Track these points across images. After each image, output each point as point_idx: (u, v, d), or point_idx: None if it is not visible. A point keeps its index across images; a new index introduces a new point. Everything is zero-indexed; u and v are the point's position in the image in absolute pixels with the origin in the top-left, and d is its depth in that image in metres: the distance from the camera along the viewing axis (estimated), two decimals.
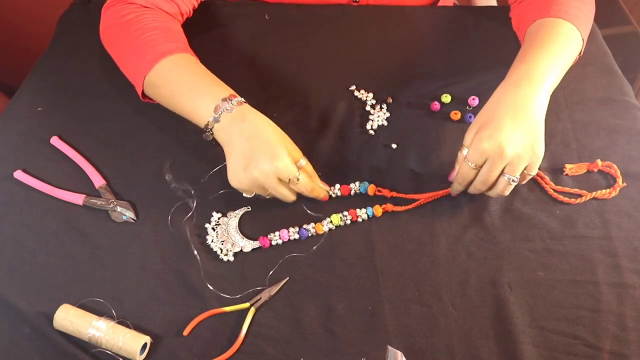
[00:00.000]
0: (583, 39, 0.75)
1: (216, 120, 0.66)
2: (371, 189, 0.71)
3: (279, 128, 0.67)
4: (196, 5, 0.84)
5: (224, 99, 0.67)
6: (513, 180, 0.64)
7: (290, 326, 0.62)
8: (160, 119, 0.79)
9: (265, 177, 0.64)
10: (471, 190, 0.68)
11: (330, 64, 0.86)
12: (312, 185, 0.68)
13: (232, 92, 0.69)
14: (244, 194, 0.70)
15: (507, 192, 0.66)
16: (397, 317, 0.62)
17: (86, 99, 0.81)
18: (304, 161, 0.67)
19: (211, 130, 0.67)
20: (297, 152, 0.67)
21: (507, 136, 0.62)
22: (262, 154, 0.64)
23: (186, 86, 0.70)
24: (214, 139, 0.68)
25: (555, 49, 0.70)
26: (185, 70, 0.71)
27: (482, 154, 0.63)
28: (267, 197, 0.69)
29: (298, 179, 0.65)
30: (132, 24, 0.74)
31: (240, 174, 0.65)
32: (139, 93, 0.75)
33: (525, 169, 0.64)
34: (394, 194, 0.71)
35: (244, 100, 0.68)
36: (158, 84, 0.72)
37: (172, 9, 0.79)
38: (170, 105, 0.73)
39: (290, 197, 0.68)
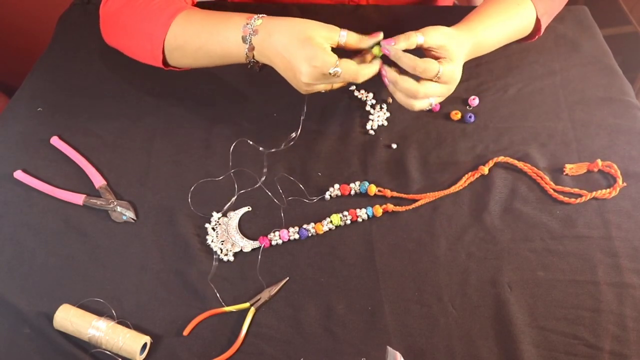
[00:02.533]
0: (539, 20, 0.78)
1: (250, 49, 0.67)
2: (371, 189, 0.71)
3: (304, 22, 0.66)
4: None
5: (244, 26, 0.67)
6: (431, 104, 0.69)
7: (290, 326, 0.62)
8: (161, 119, 0.79)
9: (314, 79, 0.64)
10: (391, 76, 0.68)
11: None
12: (356, 69, 0.65)
13: (247, 15, 0.69)
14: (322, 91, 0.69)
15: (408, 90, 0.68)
16: (397, 317, 0.62)
17: (86, 99, 0.81)
18: (343, 35, 0.66)
19: (253, 60, 0.68)
20: (331, 33, 0.65)
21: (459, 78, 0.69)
22: (298, 60, 0.64)
23: (208, 27, 0.70)
24: (259, 65, 0.70)
25: (504, 23, 0.76)
26: (198, 19, 0.71)
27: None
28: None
29: (339, 73, 0.64)
30: (135, 0, 0.74)
31: (296, 84, 0.67)
32: (160, 61, 0.74)
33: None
34: (394, 194, 0.71)
35: (261, 15, 0.68)
36: (181, 43, 0.71)
37: None
38: (201, 58, 0.72)
39: (353, 72, 0.65)
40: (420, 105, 0.68)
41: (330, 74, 0.64)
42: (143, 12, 0.73)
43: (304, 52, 0.63)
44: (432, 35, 0.67)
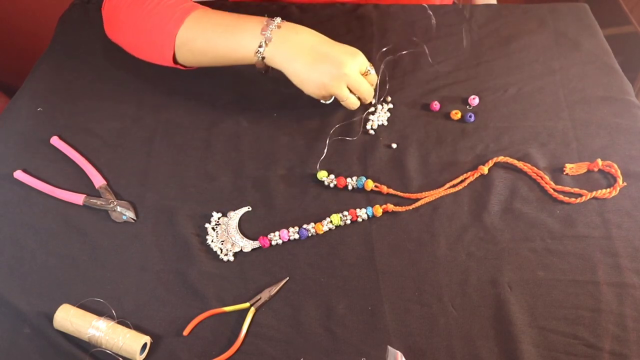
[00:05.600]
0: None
1: (268, 41, 0.67)
2: (368, 184, 0.71)
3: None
4: None
5: (267, 21, 0.68)
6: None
7: (290, 326, 0.62)
8: (161, 119, 0.79)
9: (355, 72, 0.69)
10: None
11: None
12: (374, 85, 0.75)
13: (262, 20, 0.70)
14: (322, 101, 0.75)
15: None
16: (397, 317, 0.62)
17: (86, 99, 0.82)
18: (370, 70, 0.74)
19: (263, 56, 0.68)
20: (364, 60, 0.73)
21: None
22: (340, 53, 0.68)
23: (222, 27, 0.70)
24: (265, 67, 0.71)
25: None
26: (214, 16, 0.72)
27: None
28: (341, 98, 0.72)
29: (369, 71, 0.72)
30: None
31: (315, 77, 0.68)
32: (169, 58, 0.74)
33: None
34: (391, 190, 0.71)
35: (277, 22, 0.70)
36: (191, 37, 0.72)
37: None
38: (209, 53, 0.73)
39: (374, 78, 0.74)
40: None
41: (367, 69, 0.72)
42: (155, 8, 0.73)
43: (343, 48, 0.68)
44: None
